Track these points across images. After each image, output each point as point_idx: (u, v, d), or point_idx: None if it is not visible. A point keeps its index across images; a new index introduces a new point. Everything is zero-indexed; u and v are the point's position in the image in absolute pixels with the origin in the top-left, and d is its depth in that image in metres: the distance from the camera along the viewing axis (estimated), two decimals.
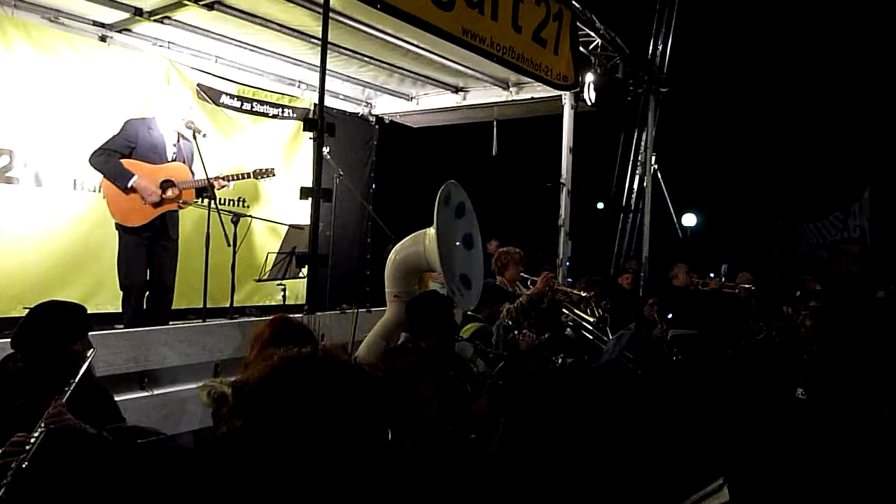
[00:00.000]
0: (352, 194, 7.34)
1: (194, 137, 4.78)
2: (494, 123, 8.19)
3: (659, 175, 9.31)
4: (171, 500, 2.43)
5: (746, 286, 6.14)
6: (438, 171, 9.26)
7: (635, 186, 9.88)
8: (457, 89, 7.44)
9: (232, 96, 6.70)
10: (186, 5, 5.11)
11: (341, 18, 5.18)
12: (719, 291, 6.20)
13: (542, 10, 5.09)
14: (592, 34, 6.16)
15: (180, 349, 3.65)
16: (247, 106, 6.85)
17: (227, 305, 5.32)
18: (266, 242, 6.66)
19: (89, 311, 5.88)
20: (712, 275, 6.62)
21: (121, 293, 5.75)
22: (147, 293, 4.79)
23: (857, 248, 9.47)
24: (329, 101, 7.74)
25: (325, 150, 5.72)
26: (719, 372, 4.80)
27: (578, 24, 5.81)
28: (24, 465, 2.20)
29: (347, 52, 6.28)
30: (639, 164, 9.77)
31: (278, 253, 5.09)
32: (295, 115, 7.31)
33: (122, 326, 5.10)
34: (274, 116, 7.12)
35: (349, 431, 1.04)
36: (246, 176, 5.06)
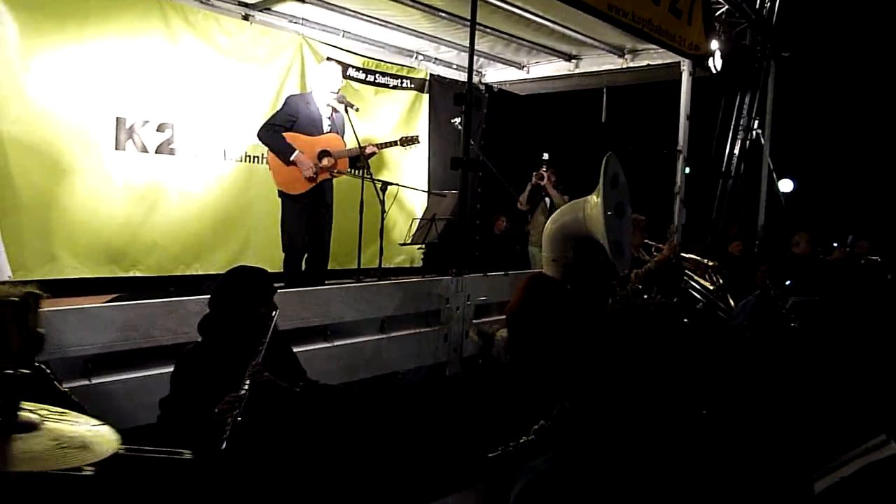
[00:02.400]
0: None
1: (346, 111, 5.11)
2: (604, 90, 8.29)
3: (762, 141, 9.23)
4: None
5: (872, 257, 6.12)
6: (545, 138, 9.44)
7: (736, 151, 9.82)
8: (570, 57, 7.53)
9: (357, 69, 7.02)
10: None
11: None
12: (843, 261, 6.20)
13: None
14: (721, 1, 6.15)
15: (356, 306, 4.03)
16: (370, 78, 7.17)
17: (355, 267, 5.76)
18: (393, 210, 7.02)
19: None
20: (836, 244, 6.59)
21: (265, 254, 6.31)
22: (306, 255, 5.20)
23: None
24: (443, 71, 8.00)
25: (456, 120, 6.03)
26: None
27: None
28: (238, 419, 2.43)
29: (465, 21, 6.46)
30: (740, 128, 9.71)
31: (421, 219, 5.41)
32: (413, 86, 7.60)
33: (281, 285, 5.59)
34: (395, 87, 7.42)
35: None
36: (393, 144, 5.39)
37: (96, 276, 5.33)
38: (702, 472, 1.77)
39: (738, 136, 9.76)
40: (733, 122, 9.65)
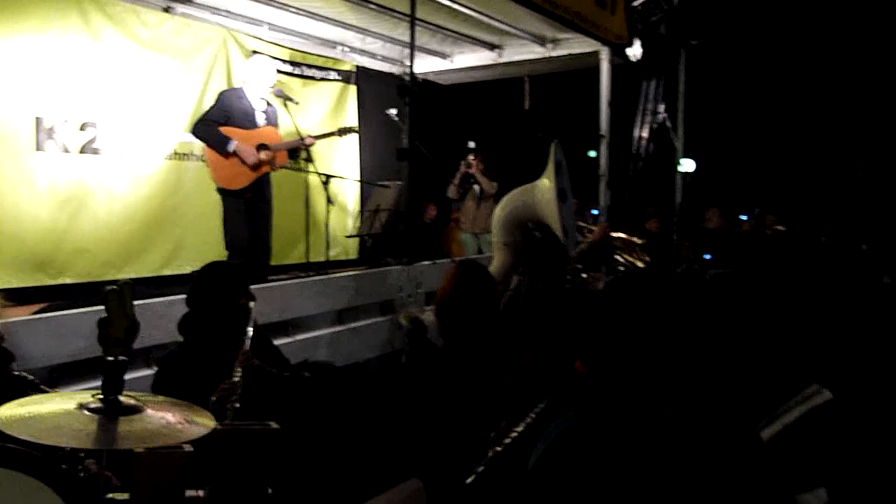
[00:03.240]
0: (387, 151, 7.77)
1: (285, 105, 5.06)
2: (526, 79, 8.54)
3: (668, 123, 9.80)
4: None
5: (777, 227, 6.65)
6: (470, 127, 9.61)
7: (645, 134, 10.37)
8: (493, 47, 7.70)
9: (284, 61, 6.92)
10: None
11: None
12: (752, 233, 6.71)
13: None
14: None
15: (315, 300, 4.04)
16: (297, 70, 7.09)
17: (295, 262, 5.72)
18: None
19: (169, 273, 6.30)
20: (744, 217, 7.10)
21: (200, 254, 6.16)
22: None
23: (861, 187, 10.02)
24: (368, 63, 8.01)
25: (392, 111, 6.09)
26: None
27: None
28: (237, 406, 2.45)
29: (393, 13, 6.51)
30: (648, 112, 10.25)
31: (365, 210, 5.43)
32: (340, 78, 7.57)
33: None
34: (322, 79, 7.37)
35: None
36: (331, 134, 5.38)
37: (23, 285, 5.04)
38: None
39: (647, 121, 10.32)
40: (641, 107, 10.18)
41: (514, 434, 1.81)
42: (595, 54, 7.09)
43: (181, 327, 2.74)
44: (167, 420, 1.40)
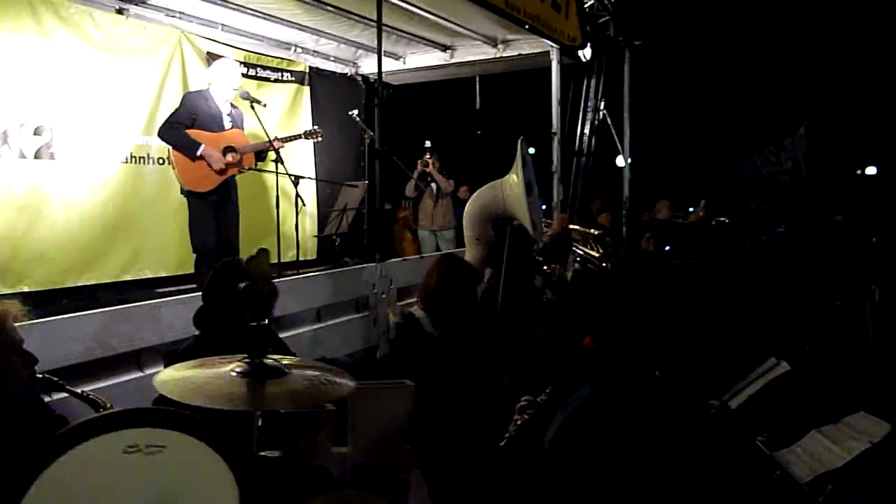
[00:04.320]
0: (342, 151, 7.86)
1: (252, 107, 5.09)
2: (477, 79, 8.74)
3: (609, 120, 10.18)
4: None
5: (721, 219, 7.05)
6: (423, 126, 9.74)
7: (587, 131, 10.75)
8: (445, 47, 7.85)
9: (238, 63, 6.88)
10: None
11: None
12: (699, 224, 7.09)
13: None
14: None
15: (298, 298, 4.11)
16: (251, 72, 7.06)
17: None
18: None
19: (130, 279, 6.21)
20: (692, 209, 7.49)
21: (160, 258, 6.11)
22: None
23: (790, 178, 10.71)
24: (321, 64, 8.04)
25: (354, 112, 6.17)
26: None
27: None
28: None
29: (344, 13, 6.57)
30: (589, 110, 10.65)
31: (333, 210, 5.50)
32: (294, 79, 7.57)
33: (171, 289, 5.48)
34: (276, 81, 7.37)
35: None
36: (298, 137, 5.42)
37: None
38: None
39: (588, 117, 10.70)
40: (582, 104, 10.55)
41: (539, 402, 1.97)
42: (545, 54, 7.33)
43: (197, 321, 2.80)
44: (311, 381, 1.48)
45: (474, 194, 4.45)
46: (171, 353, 2.71)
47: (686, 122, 14.07)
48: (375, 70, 8.35)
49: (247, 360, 1.51)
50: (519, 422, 1.94)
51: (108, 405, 2.06)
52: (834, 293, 5.94)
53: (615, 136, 10.00)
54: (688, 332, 3.59)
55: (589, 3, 7.04)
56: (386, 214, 8.19)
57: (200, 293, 3.20)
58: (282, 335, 4.02)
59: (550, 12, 5.64)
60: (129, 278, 5.98)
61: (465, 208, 4.46)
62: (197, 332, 2.82)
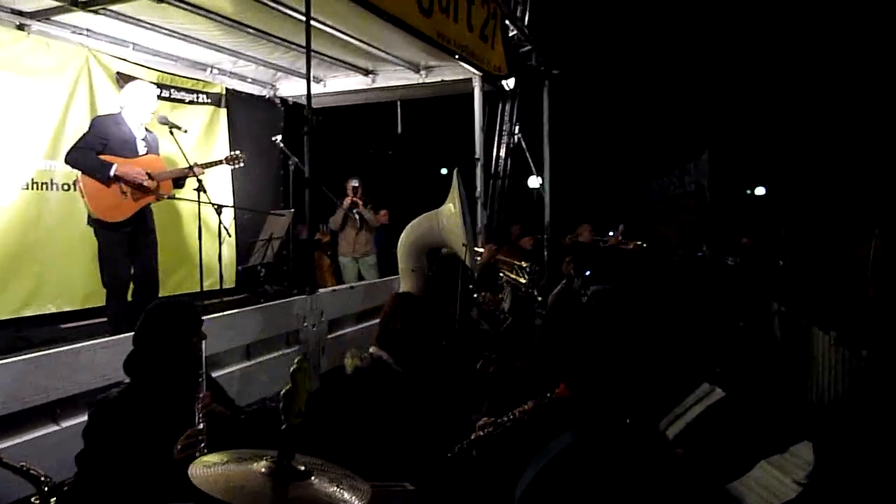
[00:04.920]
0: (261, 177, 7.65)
1: (171, 132, 4.84)
2: (398, 104, 8.72)
3: (523, 144, 10.42)
4: None
5: (638, 242, 7.31)
6: (343, 149, 9.61)
7: (502, 154, 10.96)
8: (367, 72, 7.79)
9: (153, 84, 6.56)
10: None
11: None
12: (617, 248, 7.31)
13: (485, 10, 5.70)
14: (513, 28, 6.87)
15: (225, 336, 3.90)
16: (165, 93, 6.73)
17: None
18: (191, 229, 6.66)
19: (31, 314, 5.78)
20: (611, 233, 7.72)
21: (62, 291, 5.70)
22: (132, 287, 4.82)
23: (694, 201, 11.28)
24: (238, 85, 7.80)
25: (278, 138, 6.00)
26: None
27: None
28: (205, 453, 2.33)
29: (266, 36, 6.41)
30: (504, 134, 10.86)
31: (259, 240, 5.30)
32: (210, 101, 7.29)
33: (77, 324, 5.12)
34: (190, 102, 7.07)
35: None
36: (219, 163, 5.20)
37: None
38: None
39: (503, 141, 10.91)
40: (497, 128, 10.75)
41: (501, 423, 1.95)
42: (468, 81, 7.41)
43: (127, 368, 2.59)
44: (333, 488, 1.50)
45: (408, 226, 4.40)
46: (101, 403, 2.49)
47: (601, 149, 14.61)
48: (294, 93, 8.35)
49: (274, 459, 1.51)
50: (473, 436, 1.95)
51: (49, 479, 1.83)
52: (739, 315, 6.25)
53: (529, 159, 10.23)
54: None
55: (512, 33, 7.18)
56: (315, 245, 7.99)
57: (123, 336, 3.00)
58: (217, 373, 3.83)
59: (479, 43, 5.71)
60: (31, 313, 5.54)
61: (400, 239, 4.39)
62: (127, 380, 2.62)
